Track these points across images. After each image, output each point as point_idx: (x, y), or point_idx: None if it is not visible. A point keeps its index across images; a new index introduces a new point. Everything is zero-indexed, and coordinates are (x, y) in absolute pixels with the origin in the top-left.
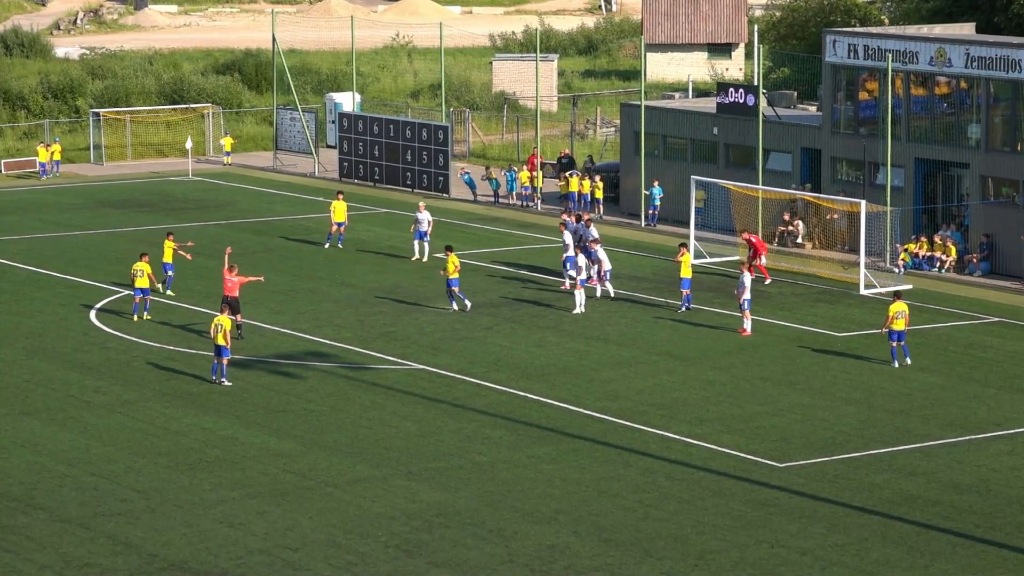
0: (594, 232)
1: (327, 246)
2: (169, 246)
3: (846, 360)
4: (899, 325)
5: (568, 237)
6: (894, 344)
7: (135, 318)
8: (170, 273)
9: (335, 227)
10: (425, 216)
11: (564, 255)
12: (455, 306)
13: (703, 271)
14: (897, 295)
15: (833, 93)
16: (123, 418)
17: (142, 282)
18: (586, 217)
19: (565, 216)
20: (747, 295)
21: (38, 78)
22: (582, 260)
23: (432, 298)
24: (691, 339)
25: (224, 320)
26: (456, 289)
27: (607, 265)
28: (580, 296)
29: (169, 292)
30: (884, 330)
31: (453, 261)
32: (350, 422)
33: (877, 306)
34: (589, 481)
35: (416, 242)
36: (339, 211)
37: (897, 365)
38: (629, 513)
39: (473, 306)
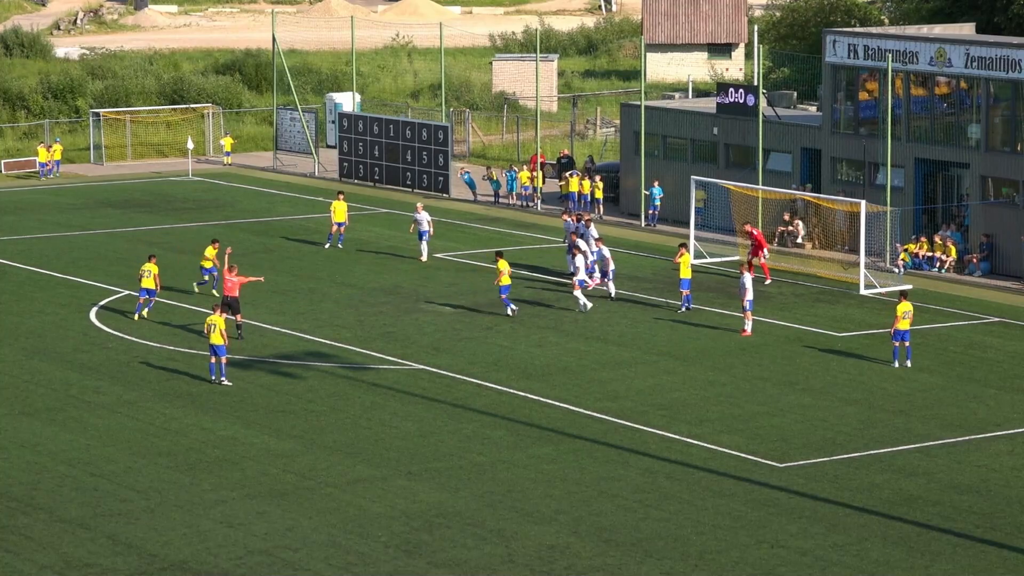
0: (594, 232)
1: (327, 246)
2: (212, 252)
3: (846, 360)
4: (904, 325)
5: (581, 243)
6: (897, 344)
7: (136, 317)
8: (207, 277)
9: (335, 227)
10: (424, 216)
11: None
12: (510, 311)
13: (703, 271)
14: (903, 295)
15: (833, 93)
16: (123, 418)
17: (148, 282)
18: (586, 217)
19: (565, 216)
20: (750, 296)
21: (38, 78)
22: (580, 261)
23: (432, 298)
24: (691, 339)
25: (217, 319)
26: (504, 296)
27: (611, 265)
28: (581, 296)
29: (196, 288)
30: (892, 331)
31: (502, 267)
32: (350, 422)
33: (877, 306)
34: (589, 481)
35: (421, 243)
36: (339, 211)
37: (897, 365)
38: (629, 513)
39: (473, 306)
